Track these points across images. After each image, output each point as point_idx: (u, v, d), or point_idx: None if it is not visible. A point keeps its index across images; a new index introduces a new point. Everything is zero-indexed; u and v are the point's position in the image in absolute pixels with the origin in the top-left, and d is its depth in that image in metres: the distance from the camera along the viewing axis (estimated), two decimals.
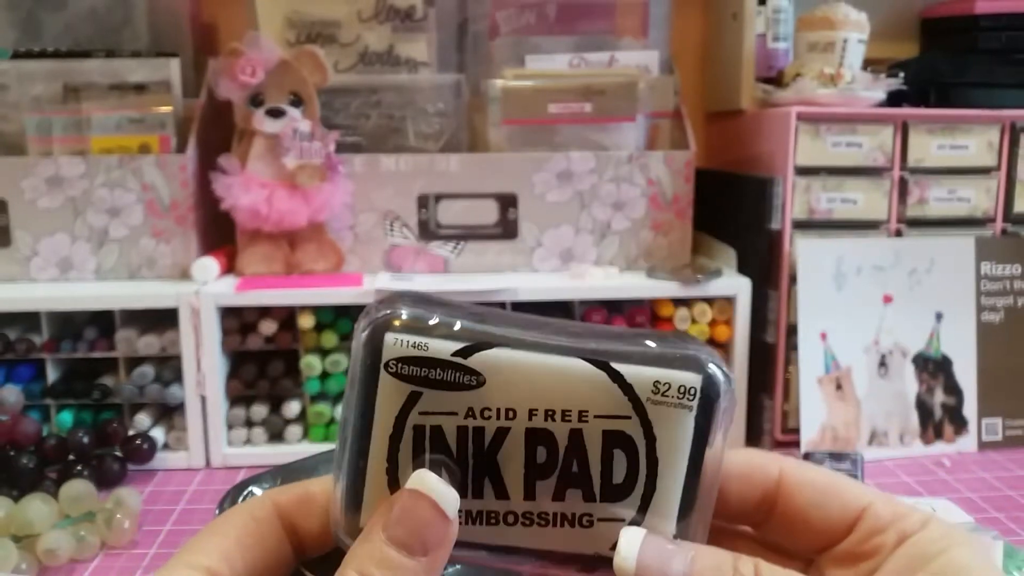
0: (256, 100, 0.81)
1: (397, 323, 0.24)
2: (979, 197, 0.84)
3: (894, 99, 0.85)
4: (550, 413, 0.24)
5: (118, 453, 0.75)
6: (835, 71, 0.83)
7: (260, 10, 0.87)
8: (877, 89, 0.84)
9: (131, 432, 0.77)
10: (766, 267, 0.81)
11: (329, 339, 0.79)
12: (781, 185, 0.80)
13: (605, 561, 0.24)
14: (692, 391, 0.24)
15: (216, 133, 0.86)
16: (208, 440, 0.79)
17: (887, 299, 0.83)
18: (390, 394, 0.24)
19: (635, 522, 0.24)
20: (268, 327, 0.79)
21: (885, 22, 0.93)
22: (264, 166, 0.82)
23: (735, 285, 0.81)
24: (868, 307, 0.82)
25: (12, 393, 0.73)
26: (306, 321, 0.78)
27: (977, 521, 0.67)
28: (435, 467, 0.24)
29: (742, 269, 0.84)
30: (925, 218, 0.83)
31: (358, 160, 0.84)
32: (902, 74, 0.85)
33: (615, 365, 0.24)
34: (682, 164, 0.86)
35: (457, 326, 0.24)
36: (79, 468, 0.71)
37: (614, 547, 0.23)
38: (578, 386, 0.24)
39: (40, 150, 0.83)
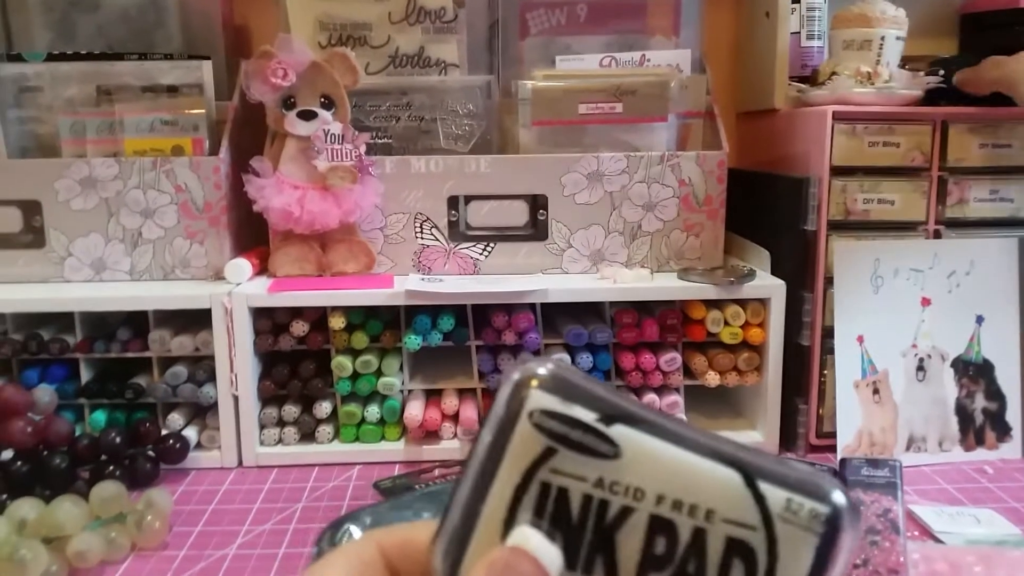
0: (288, 102, 0.81)
1: (547, 377, 0.24)
2: (1023, 198, 0.81)
3: (931, 97, 0.84)
4: (678, 504, 0.23)
5: (151, 453, 0.75)
6: (872, 69, 0.82)
7: (292, 13, 0.87)
8: (916, 87, 0.82)
9: (164, 432, 0.77)
10: (801, 269, 0.80)
11: (360, 340, 0.79)
12: (816, 185, 0.78)
13: None
14: (821, 518, 0.23)
15: (248, 135, 0.87)
16: (240, 440, 0.79)
17: (925, 302, 0.81)
18: (525, 444, 0.24)
19: None
20: (300, 328, 0.79)
21: (924, 18, 0.91)
22: (296, 168, 0.82)
23: (769, 287, 0.80)
24: (906, 310, 0.80)
25: (46, 393, 0.74)
26: (337, 322, 0.78)
27: None
28: (552, 532, 0.23)
29: (776, 271, 0.82)
30: (965, 219, 0.81)
31: (389, 162, 0.84)
32: (942, 72, 0.83)
33: (751, 469, 0.23)
34: (714, 164, 0.85)
35: (603, 395, 0.24)
36: (111, 468, 0.72)
37: None
38: (711, 485, 0.23)
39: (73, 152, 0.84)
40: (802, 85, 0.88)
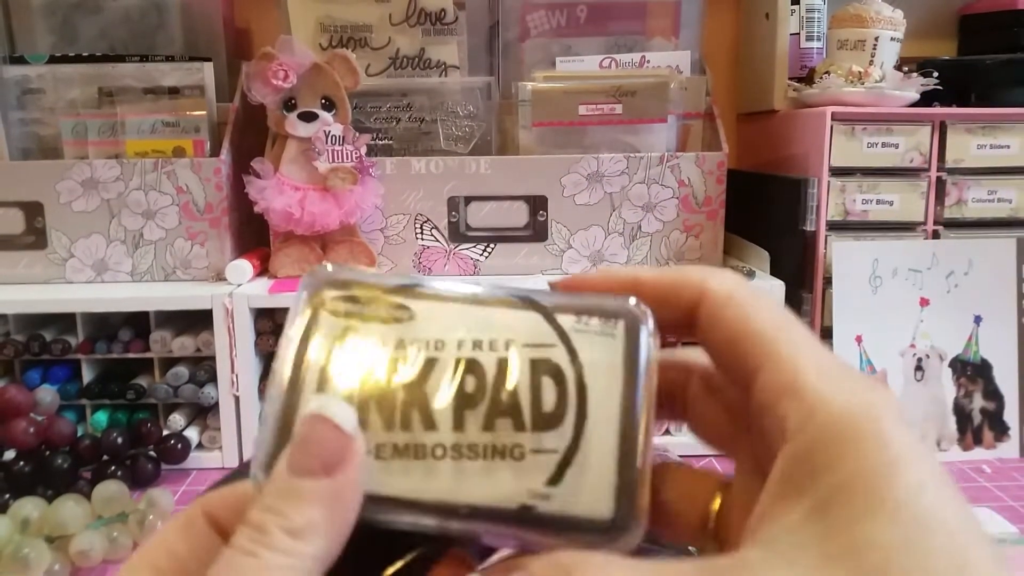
0: (289, 104, 0.82)
1: (333, 274, 0.26)
2: (1022, 198, 0.82)
3: (927, 98, 0.84)
4: (478, 343, 0.24)
5: (152, 453, 0.75)
6: (864, 69, 0.82)
7: (293, 14, 0.88)
8: (908, 88, 0.82)
9: (165, 432, 0.78)
10: (800, 269, 0.80)
11: None
12: (816, 186, 0.79)
13: (535, 520, 0.23)
14: (614, 321, 0.25)
15: (249, 137, 0.87)
16: (241, 440, 0.79)
17: (924, 302, 0.81)
18: (325, 331, 0.25)
19: (570, 451, 0.24)
20: None
21: (923, 20, 0.92)
22: (297, 169, 0.82)
23: (768, 288, 0.80)
24: (904, 310, 0.81)
25: (48, 394, 0.74)
26: None
27: (1022, 532, 0.65)
28: (364, 400, 0.24)
29: (775, 271, 0.83)
30: (963, 219, 0.82)
31: (389, 163, 0.84)
32: (936, 73, 0.84)
33: (539, 301, 0.25)
34: (714, 165, 0.85)
35: (389, 274, 0.26)
36: (113, 468, 0.72)
37: (547, 483, 0.23)
38: (504, 318, 0.25)
39: (75, 153, 0.84)
40: (798, 84, 0.88)
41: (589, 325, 0.24)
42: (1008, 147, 0.81)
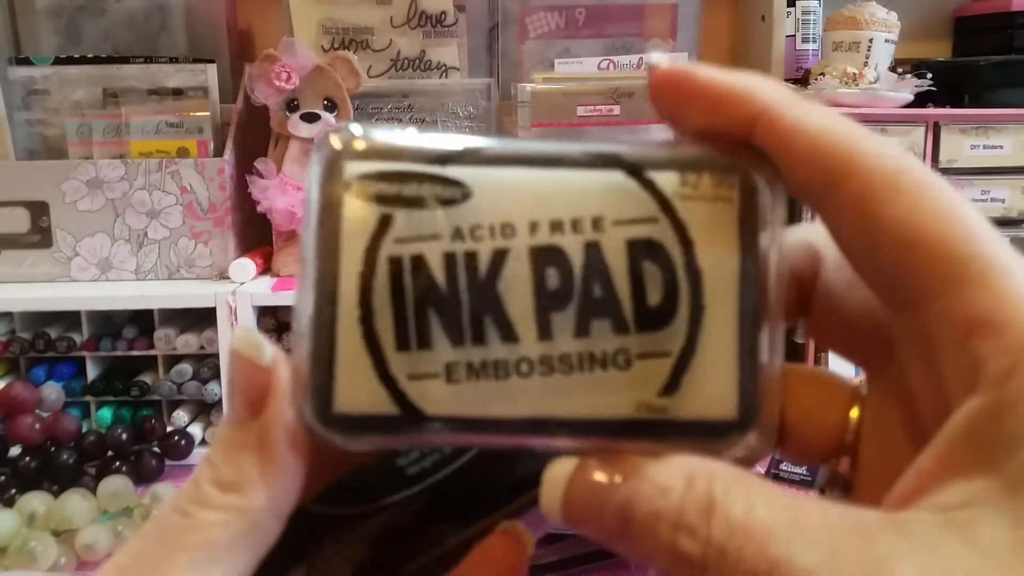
0: (291, 105, 0.83)
1: (358, 139, 0.19)
2: (1014, 198, 0.83)
3: (921, 99, 0.85)
4: (557, 224, 0.19)
5: (156, 449, 0.76)
6: (859, 71, 0.83)
7: (295, 17, 0.89)
8: (902, 89, 0.83)
9: (169, 428, 0.78)
10: None
11: None
12: None
13: (646, 428, 0.19)
14: (728, 182, 0.19)
15: (252, 137, 0.88)
16: None
17: None
18: (356, 222, 0.19)
19: (685, 352, 0.19)
20: None
21: (917, 21, 0.93)
22: (299, 169, 0.83)
23: None
24: None
25: (53, 390, 0.75)
26: None
27: None
28: (421, 310, 0.19)
29: None
30: None
31: None
32: (930, 74, 0.85)
33: (628, 157, 0.19)
34: None
35: (430, 135, 0.19)
36: (118, 464, 0.73)
37: (660, 394, 0.19)
38: (587, 186, 0.19)
39: (80, 153, 0.85)
40: (794, 86, 0.89)
41: (698, 188, 0.19)
42: (1001, 147, 0.82)
